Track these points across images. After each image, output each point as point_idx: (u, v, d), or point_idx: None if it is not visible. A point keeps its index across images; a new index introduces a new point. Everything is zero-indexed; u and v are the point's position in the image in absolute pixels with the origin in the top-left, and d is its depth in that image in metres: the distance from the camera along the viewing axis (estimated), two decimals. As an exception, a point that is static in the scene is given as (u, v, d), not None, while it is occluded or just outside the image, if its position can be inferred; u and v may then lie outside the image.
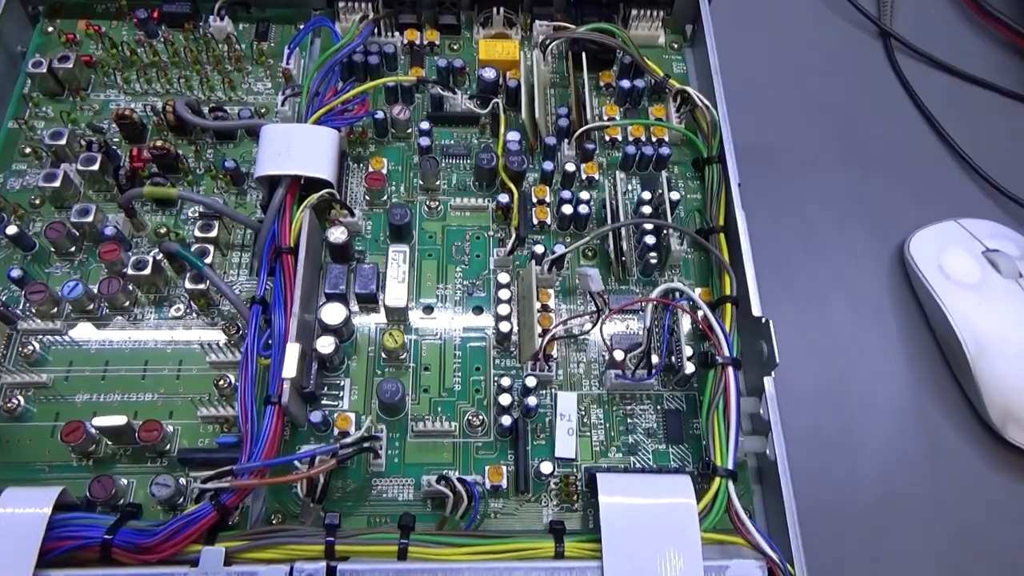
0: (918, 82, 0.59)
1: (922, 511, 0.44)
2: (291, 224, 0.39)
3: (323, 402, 0.38)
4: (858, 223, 0.53)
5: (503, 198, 0.43)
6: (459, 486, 0.34)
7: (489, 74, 0.45)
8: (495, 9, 0.48)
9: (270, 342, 0.36)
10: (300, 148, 0.40)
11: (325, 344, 0.37)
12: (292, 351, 0.35)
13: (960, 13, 0.63)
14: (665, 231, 0.42)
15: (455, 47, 0.49)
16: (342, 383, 0.39)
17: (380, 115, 0.44)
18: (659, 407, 0.40)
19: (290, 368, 0.35)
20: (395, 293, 0.39)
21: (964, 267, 0.49)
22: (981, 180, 0.55)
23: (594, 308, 0.39)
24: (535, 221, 0.43)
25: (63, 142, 0.42)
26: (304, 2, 0.49)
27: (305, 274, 0.38)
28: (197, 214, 0.42)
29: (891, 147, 0.56)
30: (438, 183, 0.44)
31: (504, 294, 0.40)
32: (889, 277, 0.51)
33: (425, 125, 0.44)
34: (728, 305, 0.40)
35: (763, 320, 0.38)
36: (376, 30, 0.47)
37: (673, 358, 0.39)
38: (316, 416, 0.36)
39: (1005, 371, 0.45)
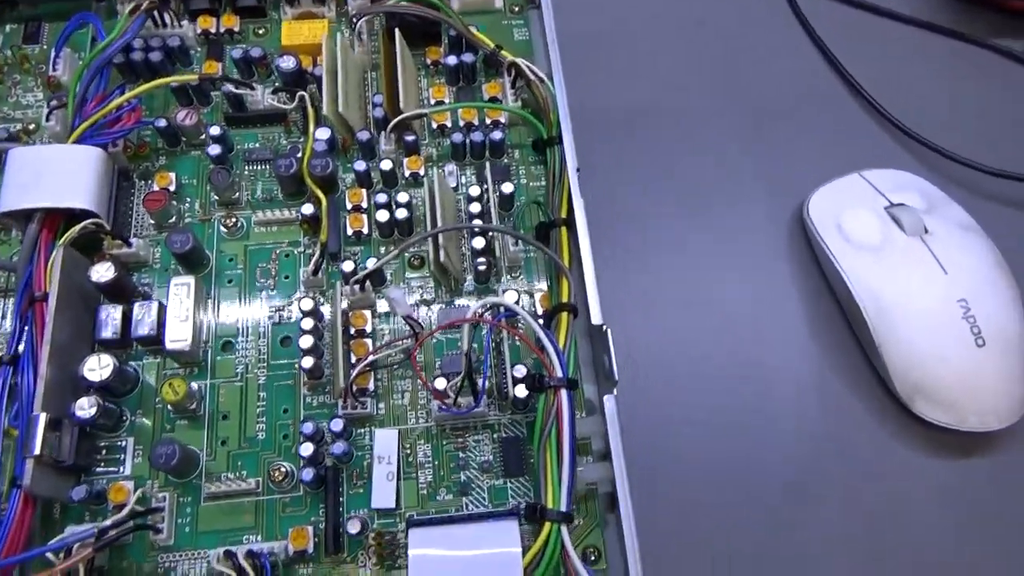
0: (816, 17, 0.52)
1: (831, 493, 0.39)
2: (47, 266, 0.33)
3: (100, 469, 0.33)
4: (752, 184, 0.47)
5: (307, 209, 0.37)
6: (243, 562, 0.30)
7: (288, 63, 0.39)
8: (299, -16, 0.42)
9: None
10: (53, 174, 0.35)
11: (84, 407, 0.31)
12: (38, 423, 0.30)
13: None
14: (492, 235, 0.37)
15: (260, 32, 0.43)
16: (124, 443, 0.33)
17: (162, 123, 0.38)
18: (496, 436, 0.35)
19: (36, 444, 0.30)
20: (176, 334, 0.34)
21: (865, 227, 0.44)
22: (888, 124, 0.49)
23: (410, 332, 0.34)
24: (350, 231, 0.38)
25: None
26: (80, -6, 0.42)
27: (64, 323, 0.32)
28: (-58, 260, 0.36)
29: (787, 93, 0.50)
30: (237, 195, 0.39)
31: (307, 323, 0.35)
32: (789, 242, 0.46)
33: (216, 131, 0.38)
34: (564, 314, 0.35)
35: (602, 328, 0.33)
36: (159, 20, 0.41)
37: (501, 381, 0.34)
38: (80, 492, 0.31)
39: (909, 341, 0.41)
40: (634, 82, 0.50)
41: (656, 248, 0.45)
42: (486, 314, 0.34)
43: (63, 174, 0.35)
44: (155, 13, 0.40)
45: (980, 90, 0.51)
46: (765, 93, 0.50)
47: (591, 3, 0.51)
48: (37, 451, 0.29)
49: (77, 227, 0.34)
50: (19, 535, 0.29)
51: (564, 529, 0.30)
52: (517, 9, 0.44)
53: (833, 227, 0.45)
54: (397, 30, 0.40)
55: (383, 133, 0.39)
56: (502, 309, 0.34)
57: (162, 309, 0.35)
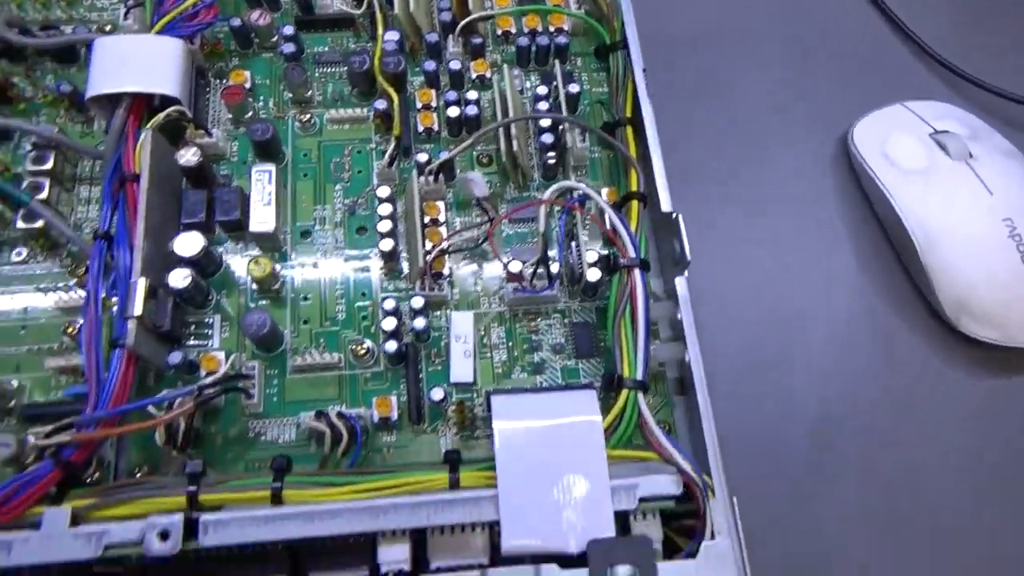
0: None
1: (878, 414, 0.41)
2: (135, 149, 0.34)
3: (189, 343, 0.34)
4: (797, 114, 0.49)
5: (380, 104, 0.38)
6: (337, 422, 0.31)
7: (359, -32, 0.40)
8: None
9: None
10: (139, 62, 0.36)
11: (178, 278, 0.32)
12: (138, 287, 0.31)
13: None
14: (562, 128, 0.38)
15: (329, -58, 0.44)
16: (211, 320, 0.35)
17: (237, 22, 0.39)
18: (567, 321, 0.36)
19: (136, 306, 0.31)
20: (260, 217, 0.35)
21: (910, 152, 0.45)
22: (929, 59, 0.51)
23: (484, 217, 0.36)
24: (420, 128, 0.39)
25: None
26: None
27: (154, 203, 0.33)
28: (31, 145, 0.37)
29: (830, 29, 0.51)
30: (309, 94, 0.40)
31: (384, 209, 0.36)
32: (833, 170, 0.47)
33: (289, 30, 0.39)
34: (635, 202, 0.36)
35: (673, 215, 0.34)
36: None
37: (575, 265, 0.35)
38: (175, 357, 0.32)
39: (956, 260, 0.42)
40: (690, 9, 0.51)
41: (702, 171, 0.46)
42: (561, 199, 0.35)
43: (148, 62, 0.36)
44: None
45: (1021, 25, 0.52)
46: (809, 29, 0.51)
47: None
48: (139, 312, 0.31)
49: (163, 113, 0.35)
50: (123, 391, 0.30)
51: (640, 396, 0.31)
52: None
53: (879, 153, 0.46)
54: (464, -63, 0.41)
55: (450, 36, 0.40)
56: (576, 194, 0.36)
57: (244, 195, 0.36)
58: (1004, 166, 0.44)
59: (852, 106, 0.48)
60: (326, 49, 0.41)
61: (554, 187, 0.35)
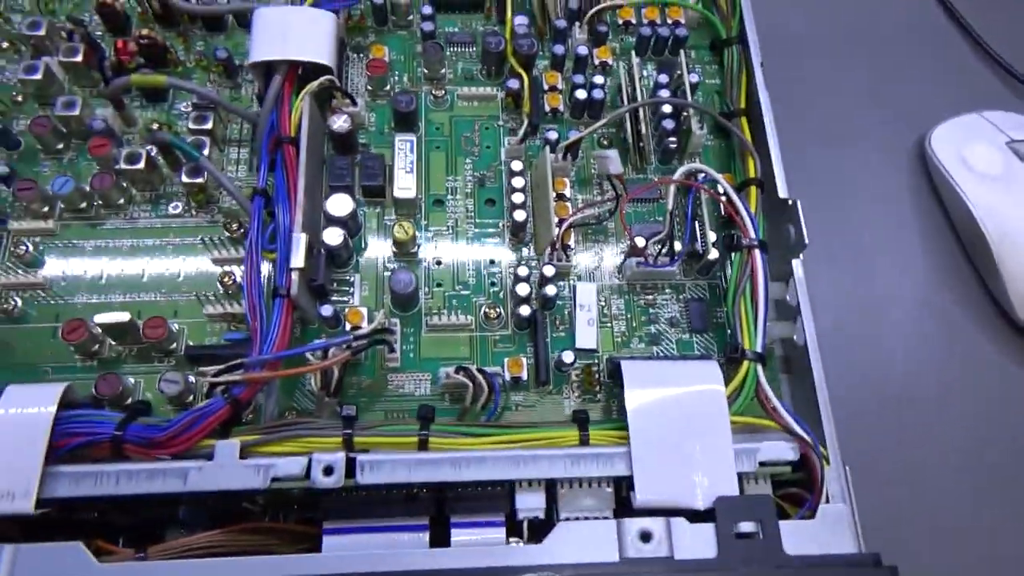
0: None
1: (946, 408, 0.43)
2: (290, 113, 0.37)
3: (333, 298, 0.36)
4: (879, 116, 0.51)
5: (513, 84, 0.40)
6: (479, 376, 0.33)
7: (493, -47, 0.42)
8: None
9: (275, 235, 0.34)
10: (296, 32, 0.38)
11: (333, 236, 0.35)
12: (300, 242, 0.34)
13: None
14: (685, 114, 0.40)
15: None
16: (351, 279, 0.37)
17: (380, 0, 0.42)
18: (681, 296, 0.38)
19: (298, 259, 0.33)
20: (403, 184, 0.37)
21: (987, 159, 0.47)
22: (1005, 73, 0.52)
23: (612, 194, 0.38)
24: (547, 108, 0.41)
25: (42, 32, 0.39)
26: None
27: (308, 165, 0.36)
28: (190, 107, 0.39)
29: (912, 39, 0.54)
30: (443, 71, 0.42)
31: (517, 182, 0.38)
32: (910, 171, 0.50)
33: (428, 10, 0.42)
34: (753, 188, 0.38)
35: (790, 201, 0.36)
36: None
37: (697, 244, 0.37)
38: (327, 310, 0.34)
39: None
40: (784, 11, 0.52)
41: (790, 163, 0.47)
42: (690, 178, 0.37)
43: (305, 33, 0.38)
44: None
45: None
46: (893, 37, 0.53)
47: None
48: (300, 264, 0.33)
49: (317, 81, 0.37)
50: (284, 337, 0.32)
51: (760, 368, 0.34)
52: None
53: (956, 158, 0.48)
54: (595, -71, 0.43)
55: (576, 23, 0.43)
56: (701, 176, 0.38)
57: (384, 163, 0.38)
58: None
59: (930, 113, 0.50)
60: (457, 30, 0.43)
61: (683, 169, 0.37)
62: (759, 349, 0.34)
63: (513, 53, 0.41)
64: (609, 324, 0.37)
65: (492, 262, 0.38)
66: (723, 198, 0.37)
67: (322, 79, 0.38)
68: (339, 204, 0.36)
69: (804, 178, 0.47)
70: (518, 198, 0.38)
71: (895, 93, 0.52)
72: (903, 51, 0.53)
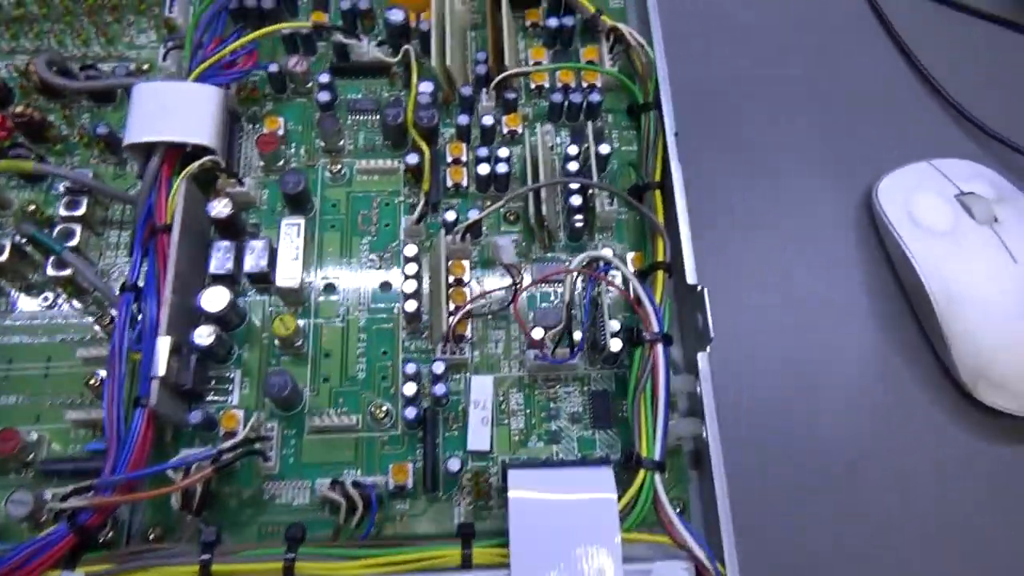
0: (890, 6, 0.53)
1: (889, 478, 0.40)
2: (168, 198, 0.35)
3: (209, 398, 0.34)
4: (823, 166, 0.48)
5: (412, 158, 0.38)
6: (353, 492, 0.31)
7: (396, 16, 0.40)
8: (406, -60, 0.43)
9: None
10: (177, 110, 0.36)
11: (203, 335, 0.33)
12: (162, 345, 0.31)
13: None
14: (591, 192, 0.38)
15: (369, -17, 0.44)
16: (232, 375, 0.35)
17: (274, 68, 0.39)
18: (586, 388, 0.36)
19: (160, 365, 0.31)
20: (287, 272, 0.35)
21: (935, 213, 0.45)
22: (960, 117, 0.50)
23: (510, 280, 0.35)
24: (449, 183, 0.39)
25: (-90, 111, 0.37)
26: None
27: (183, 255, 0.34)
28: (64, 189, 0.37)
29: (860, 81, 0.51)
30: (342, 143, 0.40)
31: (411, 268, 0.36)
32: (857, 225, 0.47)
33: (325, 78, 0.39)
34: (660, 272, 0.35)
35: (698, 288, 0.34)
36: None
37: (597, 334, 0.35)
38: (196, 416, 0.32)
39: (976, 326, 0.41)
40: (722, 59, 0.50)
41: (728, 219, 0.45)
42: (587, 268, 0.35)
43: (186, 110, 0.36)
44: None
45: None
46: (839, 80, 0.51)
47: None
48: (162, 372, 0.31)
49: (198, 163, 0.35)
50: (143, 452, 0.30)
51: (657, 477, 0.31)
52: (614, -25, 0.45)
53: (903, 212, 0.45)
54: (502, -11, 0.41)
55: (484, 90, 0.40)
56: (602, 263, 0.35)
57: (272, 247, 0.36)
58: None
59: (878, 160, 0.47)
60: (360, 96, 0.41)
61: (581, 256, 0.35)
62: (657, 457, 0.32)
63: (414, 125, 0.38)
64: (507, 422, 0.35)
65: (384, 353, 0.36)
66: (625, 288, 0.35)
67: (203, 160, 0.36)
68: (213, 299, 0.34)
69: (743, 235, 0.45)
70: (410, 287, 0.35)
71: (843, 138, 0.49)
72: (852, 93, 0.50)
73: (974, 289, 0.42)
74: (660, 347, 0.33)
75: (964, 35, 0.53)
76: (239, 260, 0.36)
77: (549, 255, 0.38)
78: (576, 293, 0.35)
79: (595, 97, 0.40)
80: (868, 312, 0.44)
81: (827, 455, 0.40)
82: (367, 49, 0.41)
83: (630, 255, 0.38)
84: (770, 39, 0.51)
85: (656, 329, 0.33)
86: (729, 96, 0.49)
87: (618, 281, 0.36)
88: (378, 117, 0.41)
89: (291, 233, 0.36)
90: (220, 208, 0.35)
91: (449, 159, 0.39)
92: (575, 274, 0.34)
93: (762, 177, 0.47)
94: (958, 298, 0.42)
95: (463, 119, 0.39)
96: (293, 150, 0.40)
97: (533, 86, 0.41)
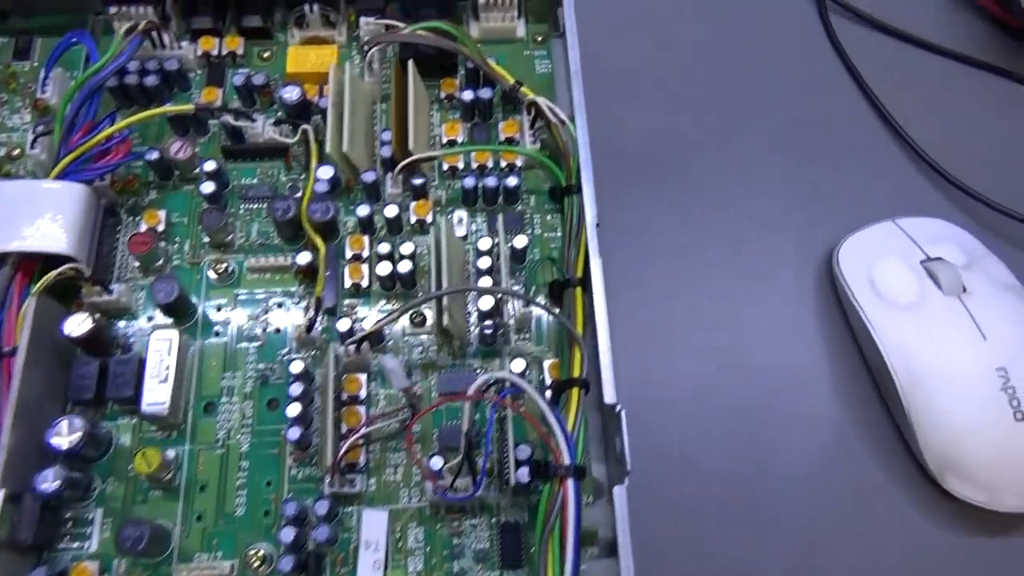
0: (855, 49, 0.48)
1: (850, 571, 0.36)
2: (17, 318, 0.31)
3: (62, 545, 0.30)
4: (781, 226, 0.44)
5: (303, 257, 0.34)
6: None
7: (292, 94, 0.36)
8: (307, 6, 0.39)
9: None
10: (32, 214, 0.32)
11: (48, 479, 0.29)
12: (-7, 499, 0.28)
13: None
14: (502, 296, 0.34)
15: (265, 55, 0.40)
16: (91, 516, 0.31)
17: (154, 155, 0.35)
18: (494, 520, 0.32)
19: (-9, 524, 0.27)
20: (155, 396, 0.31)
21: (899, 282, 0.41)
22: (927, 168, 0.45)
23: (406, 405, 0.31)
24: (348, 283, 0.35)
25: None
26: (81, 7, 0.39)
27: (34, 380, 0.30)
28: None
29: (821, 131, 0.46)
30: (230, 238, 0.36)
31: (296, 389, 0.32)
32: (817, 291, 0.43)
33: (211, 165, 0.35)
34: (575, 391, 0.31)
35: (616, 409, 0.30)
36: (157, 41, 0.38)
37: (503, 464, 0.31)
38: (41, 575, 0.28)
39: (943, 410, 0.37)
40: (661, 116, 0.46)
41: (677, 289, 0.41)
42: (490, 390, 0.31)
43: (42, 214, 0.32)
44: (153, 34, 0.37)
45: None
46: (798, 130, 0.47)
47: (620, 31, 0.48)
48: (-8, 532, 0.27)
49: (53, 273, 0.32)
50: (-31, 624, 0.27)
51: (564, 640, 0.27)
52: (540, 39, 0.41)
53: (864, 280, 0.41)
54: (411, 62, 0.37)
55: (390, 175, 0.36)
56: (508, 384, 0.31)
57: (142, 366, 0.32)
58: (1001, 305, 0.39)
59: (842, 215, 0.43)
60: (255, 181, 0.37)
61: (481, 379, 0.30)
62: (564, 613, 0.28)
63: (308, 220, 0.34)
64: (403, 563, 0.31)
65: (269, 484, 0.32)
66: (531, 410, 0.31)
67: (61, 269, 0.32)
68: (65, 433, 0.30)
69: (692, 304, 0.41)
70: (294, 410, 0.31)
71: (802, 196, 0.45)
72: (813, 143, 0.46)
73: (941, 370, 0.38)
74: (571, 483, 0.29)
75: (930, 76, 0.49)
76: (103, 381, 0.32)
77: (458, 363, 0.34)
78: (481, 411, 0.31)
79: (512, 180, 0.36)
80: (829, 387, 0.40)
81: (782, 544, 0.36)
82: (262, 129, 0.37)
83: (548, 362, 0.34)
84: (722, 88, 0.47)
85: (567, 461, 0.29)
86: (671, 143, 0.45)
87: (526, 409, 0.32)
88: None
89: (161, 350, 0.32)
90: (76, 326, 0.31)
91: (349, 254, 0.35)
92: (471, 401, 0.30)
93: (714, 236, 0.43)
94: (923, 379, 0.38)
95: (363, 210, 0.35)
96: (177, 245, 0.36)
97: (446, 167, 0.37)
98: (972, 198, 0.44)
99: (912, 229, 0.42)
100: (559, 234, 0.37)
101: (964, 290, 0.39)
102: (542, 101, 0.36)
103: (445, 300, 0.32)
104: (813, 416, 0.39)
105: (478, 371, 0.34)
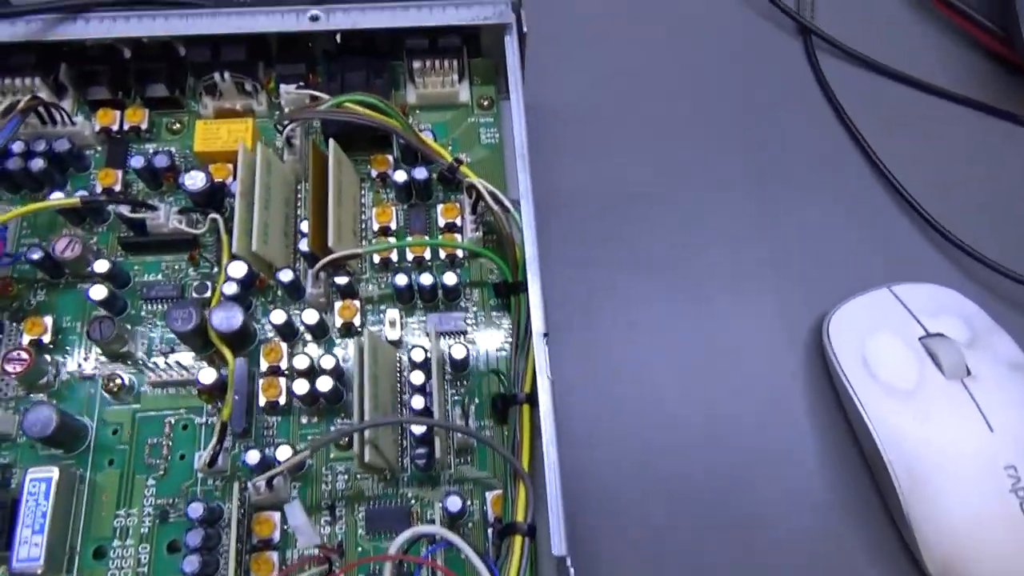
0: (846, 92, 0.44)
1: None
2: None
3: None
4: (766, 289, 0.40)
5: (206, 375, 0.30)
6: None
7: (195, 183, 0.32)
8: (218, 74, 0.34)
9: None
10: None
11: None
12: None
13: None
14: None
15: (175, 127, 0.35)
16: None
17: (37, 255, 0.31)
18: None
19: None
20: (26, 552, 0.27)
21: (896, 362, 0.37)
22: (927, 225, 0.41)
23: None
24: (262, 402, 0.30)
25: None
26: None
27: None
28: None
29: (810, 183, 0.43)
30: (126, 349, 0.31)
31: (193, 537, 0.27)
32: (805, 366, 0.39)
33: (102, 266, 0.31)
34: (518, 538, 0.27)
35: (566, 563, 0.26)
36: (46, 117, 0.33)
37: (434, 630, 0.27)
38: None
39: (944, 510, 0.33)
40: (629, 170, 0.42)
41: (649, 359, 0.38)
42: (417, 548, 0.27)
43: None
44: (41, 109, 0.33)
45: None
46: (782, 180, 0.43)
47: (581, 81, 0.44)
48: None
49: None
50: None
51: None
52: (487, 103, 0.36)
53: (857, 358, 0.37)
54: (332, 142, 0.32)
55: (311, 273, 0.32)
56: (438, 538, 0.27)
57: (15, 509, 0.28)
58: (1009, 389, 0.36)
59: (835, 275, 0.40)
60: (159, 278, 0.33)
61: (403, 537, 0.26)
62: None
63: (213, 330, 0.30)
64: None
65: (163, 652, 0.28)
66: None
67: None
68: (-85, 608, 0.25)
69: (675, 378, 0.37)
70: (190, 564, 0.27)
71: (792, 255, 0.41)
72: (802, 198, 0.42)
73: (942, 463, 0.34)
74: (510, 654, 0.25)
75: (928, 119, 0.45)
76: (-26, 533, 0.27)
77: (390, 491, 0.30)
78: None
79: (451, 279, 0.32)
80: (819, 476, 0.37)
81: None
82: (166, 219, 0.33)
83: (491, 495, 0.30)
84: (701, 137, 0.44)
85: (507, 629, 0.25)
86: (656, 196, 0.41)
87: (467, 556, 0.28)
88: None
89: (36, 493, 0.28)
90: (-66, 474, 0.27)
91: (264, 367, 0.31)
92: (394, 561, 0.26)
93: (686, 303, 0.40)
94: (923, 475, 0.34)
95: (278, 317, 0.31)
96: (69, 356, 0.31)
97: (378, 260, 0.33)
98: (975, 259, 0.40)
99: (909, 298, 0.39)
100: (508, 338, 0.32)
101: (968, 373, 0.36)
102: (482, 186, 0.32)
103: (368, 432, 0.28)
104: (801, 505, 0.36)
105: (412, 501, 0.30)
